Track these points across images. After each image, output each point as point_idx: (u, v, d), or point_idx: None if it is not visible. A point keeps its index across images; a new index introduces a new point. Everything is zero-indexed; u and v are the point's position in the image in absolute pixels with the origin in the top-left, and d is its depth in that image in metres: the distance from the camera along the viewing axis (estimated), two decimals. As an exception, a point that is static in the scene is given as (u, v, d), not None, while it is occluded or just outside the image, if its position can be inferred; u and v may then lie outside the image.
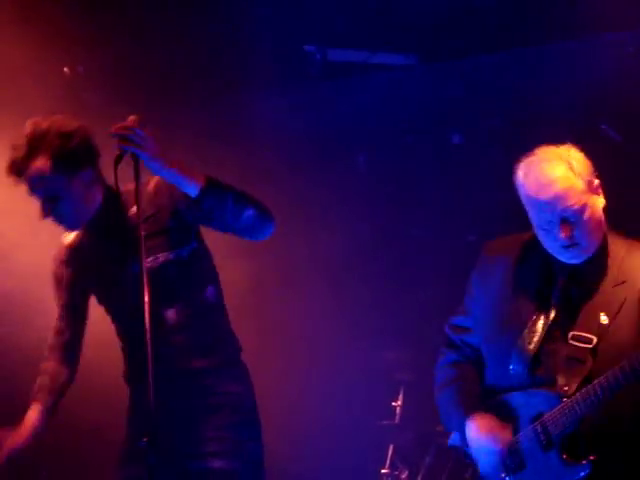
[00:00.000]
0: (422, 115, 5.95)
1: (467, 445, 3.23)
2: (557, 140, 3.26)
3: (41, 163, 3.28)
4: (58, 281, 3.60)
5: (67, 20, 5.45)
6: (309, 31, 5.70)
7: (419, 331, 5.66)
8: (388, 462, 5.39)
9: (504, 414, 3.17)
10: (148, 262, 3.22)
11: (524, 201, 3.25)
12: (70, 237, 3.57)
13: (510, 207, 5.70)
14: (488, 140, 5.84)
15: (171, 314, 3.31)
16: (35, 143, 3.29)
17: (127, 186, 3.36)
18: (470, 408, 3.25)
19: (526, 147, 3.22)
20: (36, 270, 5.64)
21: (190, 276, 3.36)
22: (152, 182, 3.40)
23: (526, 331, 3.16)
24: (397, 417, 5.53)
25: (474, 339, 3.36)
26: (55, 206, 3.31)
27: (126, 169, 3.11)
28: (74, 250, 3.54)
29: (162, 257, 3.30)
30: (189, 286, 3.36)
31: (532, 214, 3.22)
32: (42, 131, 3.32)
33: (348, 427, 5.71)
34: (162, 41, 5.57)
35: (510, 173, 5.69)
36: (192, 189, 3.16)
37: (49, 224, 3.48)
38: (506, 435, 3.13)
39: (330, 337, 5.92)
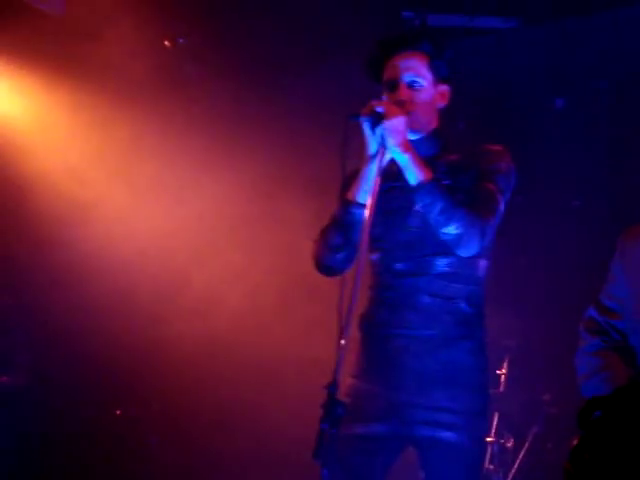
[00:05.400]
0: (524, 79, 5.86)
1: None
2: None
3: (421, 52, 3.42)
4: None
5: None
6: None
7: (523, 298, 5.61)
8: (494, 430, 5.36)
9: None
10: None
11: None
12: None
13: (615, 171, 5.66)
14: (592, 104, 5.72)
15: (442, 261, 3.29)
16: (420, 37, 3.44)
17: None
18: None
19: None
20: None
21: None
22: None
23: None
24: (502, 385, 5.49)
25: (621, 324, 3.26)
26: (414, 95, 3.36)
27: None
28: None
29: None
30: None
31: None
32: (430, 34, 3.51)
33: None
34: (262, 12, 5.60)
35: (615, 136, 5.61)
36: (413, 179, 3.18)
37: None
38: None
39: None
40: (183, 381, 6.12)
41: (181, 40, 6.12)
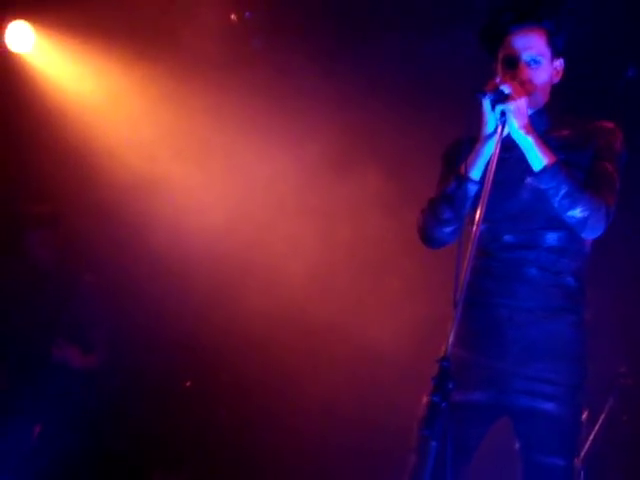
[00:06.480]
0: (596, 48, 5.76)
1: None
2: None
3: (541, 27, 3.33)
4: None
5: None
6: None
7: (598, 269, 5.55)
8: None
9: None
10: None
11: None
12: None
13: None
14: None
15: (553, 236, 3.28)
16: (541, 11, 3.34)
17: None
18: None
19: None
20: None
21: None
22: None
23: None
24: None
25: None
26: (533, 74, 3.31)
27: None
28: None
29: None
30: None
31: None
32: None
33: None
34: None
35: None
36: (536, 163, 3.18)
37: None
38: None
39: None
40: (251, 353, 6.17)
41: (247, 14, 6.11)
